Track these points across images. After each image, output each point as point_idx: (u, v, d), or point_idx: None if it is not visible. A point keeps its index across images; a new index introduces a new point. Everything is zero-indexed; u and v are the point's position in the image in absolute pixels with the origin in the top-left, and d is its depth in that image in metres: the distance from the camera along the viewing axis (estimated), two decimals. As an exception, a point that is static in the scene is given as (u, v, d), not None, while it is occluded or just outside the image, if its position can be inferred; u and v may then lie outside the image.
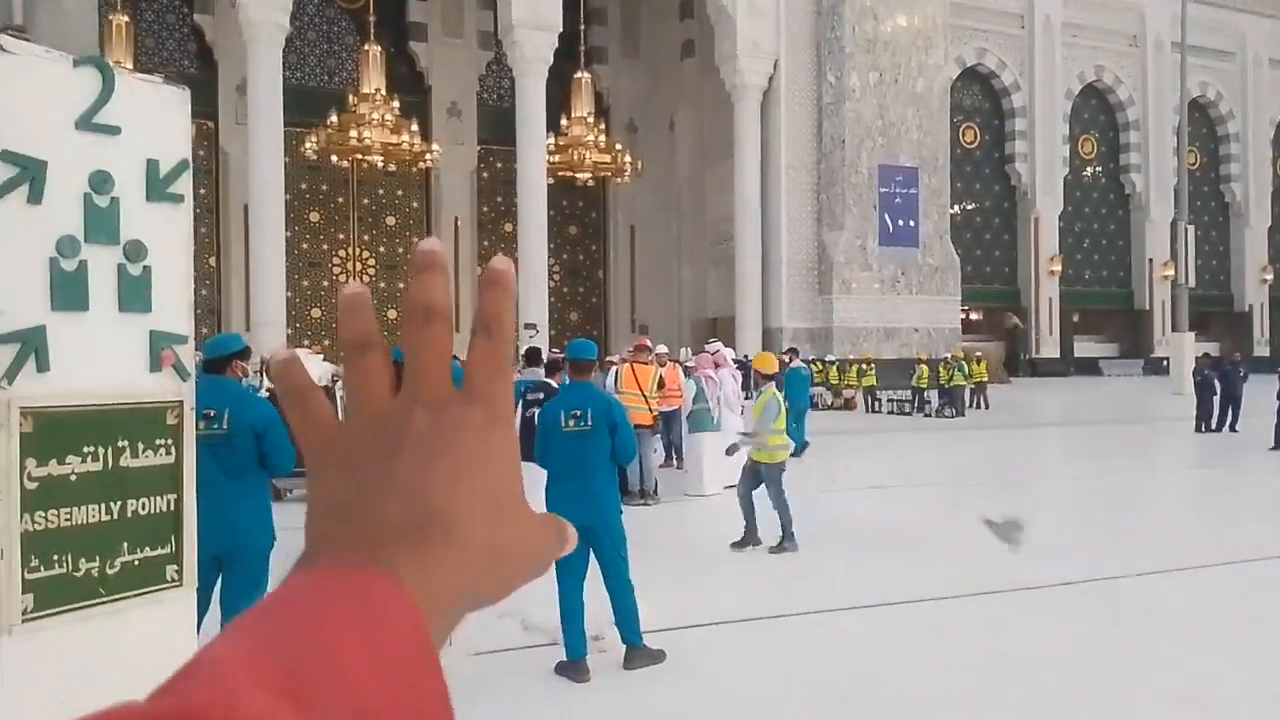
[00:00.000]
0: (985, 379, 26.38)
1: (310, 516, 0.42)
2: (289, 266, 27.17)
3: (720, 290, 33.84)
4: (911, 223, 32.46)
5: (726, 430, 10.90)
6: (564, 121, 29.96)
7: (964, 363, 24.39)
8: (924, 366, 24.57)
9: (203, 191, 32.26)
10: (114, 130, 2.77)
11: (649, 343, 11.75)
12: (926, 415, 23.69)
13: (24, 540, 2.49)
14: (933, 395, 24.22)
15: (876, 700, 4.54)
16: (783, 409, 8.34)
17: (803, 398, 14.71)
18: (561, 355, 10.23)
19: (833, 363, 27.52)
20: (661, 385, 11.05)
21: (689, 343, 28.15)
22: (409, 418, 0.42)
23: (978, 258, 39.22)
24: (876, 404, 25.02)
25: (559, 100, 29.62)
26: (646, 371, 10.56)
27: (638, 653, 4.87)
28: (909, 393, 24.62)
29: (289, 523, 6.45)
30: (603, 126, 31.78)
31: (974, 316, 38.74)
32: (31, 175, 2.56)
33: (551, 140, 29.08)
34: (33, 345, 2.56)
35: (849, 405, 25.83)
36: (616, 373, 11.45)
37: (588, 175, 31.01)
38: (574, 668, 4.73)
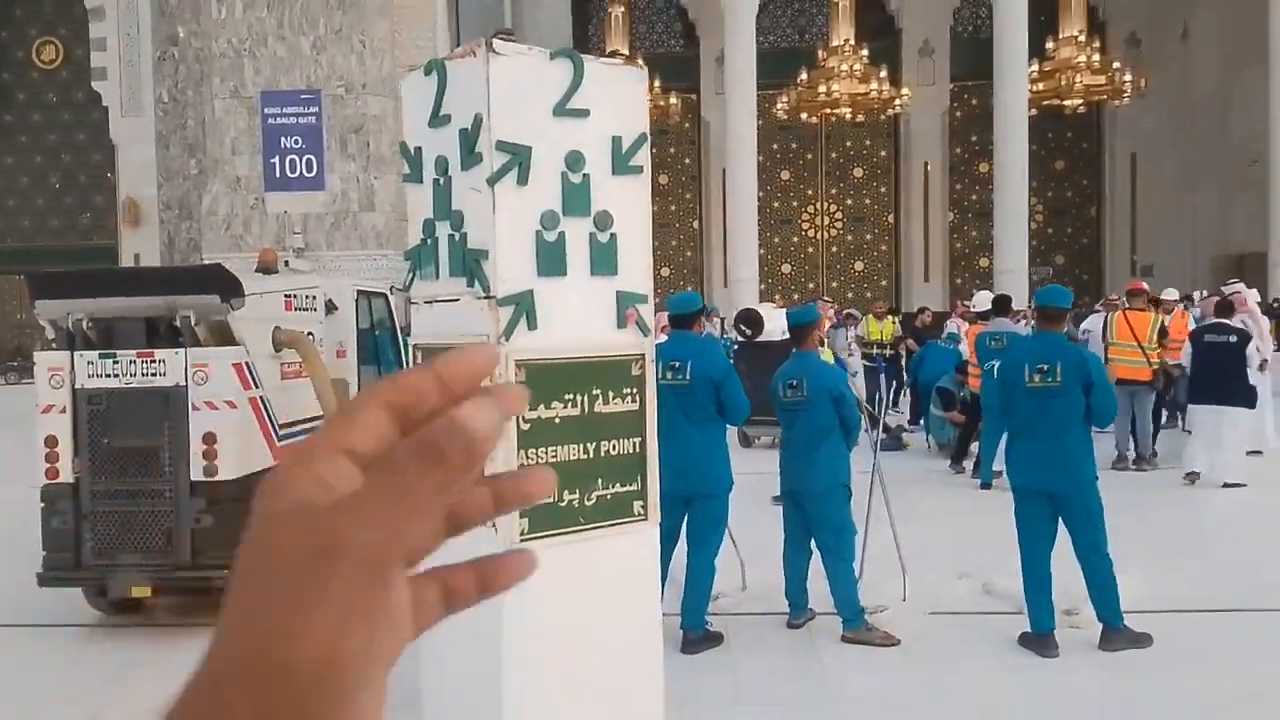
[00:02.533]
0: None
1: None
2: (761, 225, 28.41)
3: (1249, 221, 28.51)
4: None
5: (1246, 389, 9.22)
6: (1049, 45, 27.23)
7: None
8: None
9: (687, 160, 35.01)
10: (584, 113, 3.10)
11: (1145, 285, 10.31)
12: None
13: (520, 472, 2.94)
14: None
15: None
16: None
17: None
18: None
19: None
20: (1164, 335, 9.62)
21: (1207, 284, 24.20)
22: None
23: None
24: None
25: (1045, 22, 27.00)
26: (1144, 319, 9.26)
27: (1117, 634, 4.37)
28: None
29: (751, 467, 6.78)
30: (1097, 44, 28.26)
31: None
32: (520, 160, 2.96)
33: (1035, 67, 26.64)
34: (524, 307, 2.98)
35: None
36: (1107, 320, 10.23)
37: (1078, 101, 27.83)
38: (1040, 641, 4.39)
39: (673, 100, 30.46)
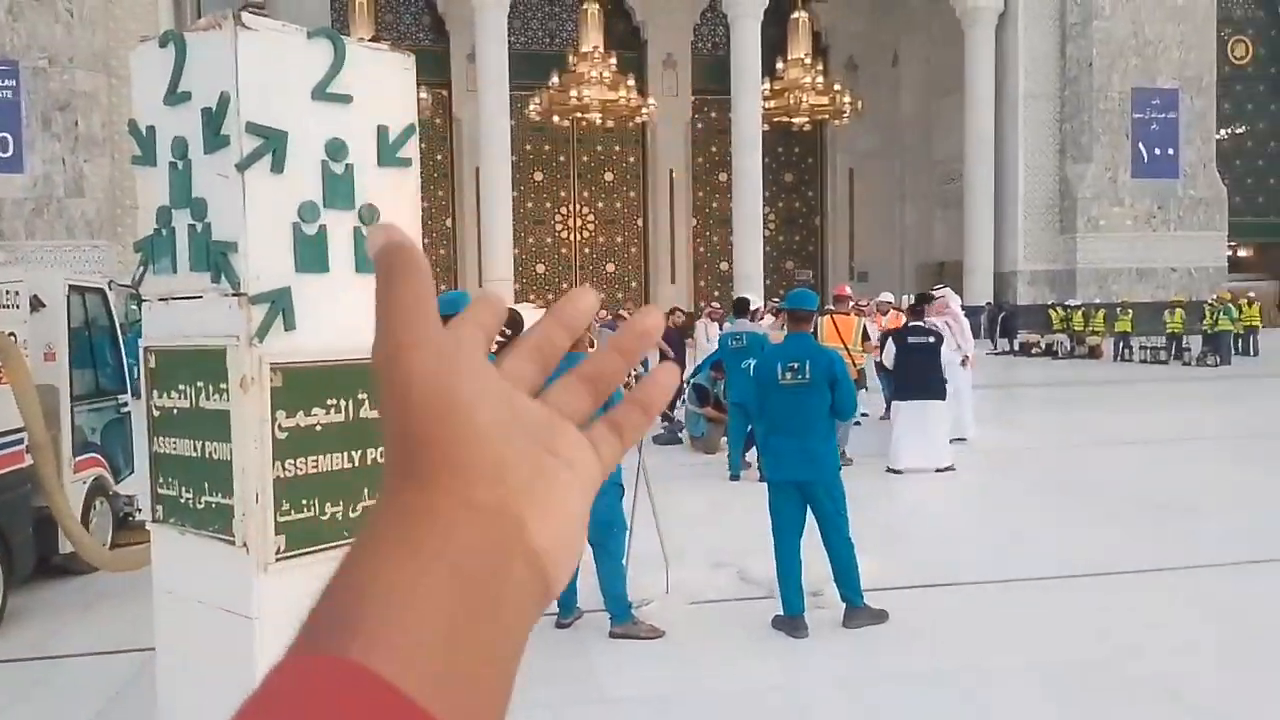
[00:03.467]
0: (1257, 323, 23.60)
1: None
2: (515, 225, 28.42)
3: (948, 233, 32.12)
4: (1170, 151, 29.26)
5: (952, 382, 10.31)
6: (780, 65, 29.24)
7: (1230, 305, 21.88)
8: (1178, 310, 22.27)
9: (439, 157, 34.30)
10: (346, 99, 2.91)
11: (849, 290, 11.15)
12: (1185, 364, 21.53)
13: (276, 486, 2.70)
14: (1194, 342, 21.95)
15: (1115, 672, 4.16)
16: None
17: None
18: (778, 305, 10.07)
19: (1076, 308, 25.54)
20: (868, 338, 10.52)
21: (913, 289, 26.97)
22: None
23: (1249, 188, 34.85)
24: (1128, 352, 23.00)
25: (775, 43, 28.93)
26: (849, 322, 10.04)
27: (859, 612, 4.72)
28: (1164, 339, 22.45)
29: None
30: (820, 67, 30.73)
31: (1243, 253, 34.60)
32: (274, 146, 2.73)
33: (767, 85, 28.50)
34: (280, 305, 2.75)
35: (1095, 354, 23.93)
36: (816, 324, 11.01)
37: (804, 119, 30.17)
38: (791, 623, 4.65)
39: (423, 95, 29.71)
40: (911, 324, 9.35)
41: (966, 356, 10.70)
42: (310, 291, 2.82)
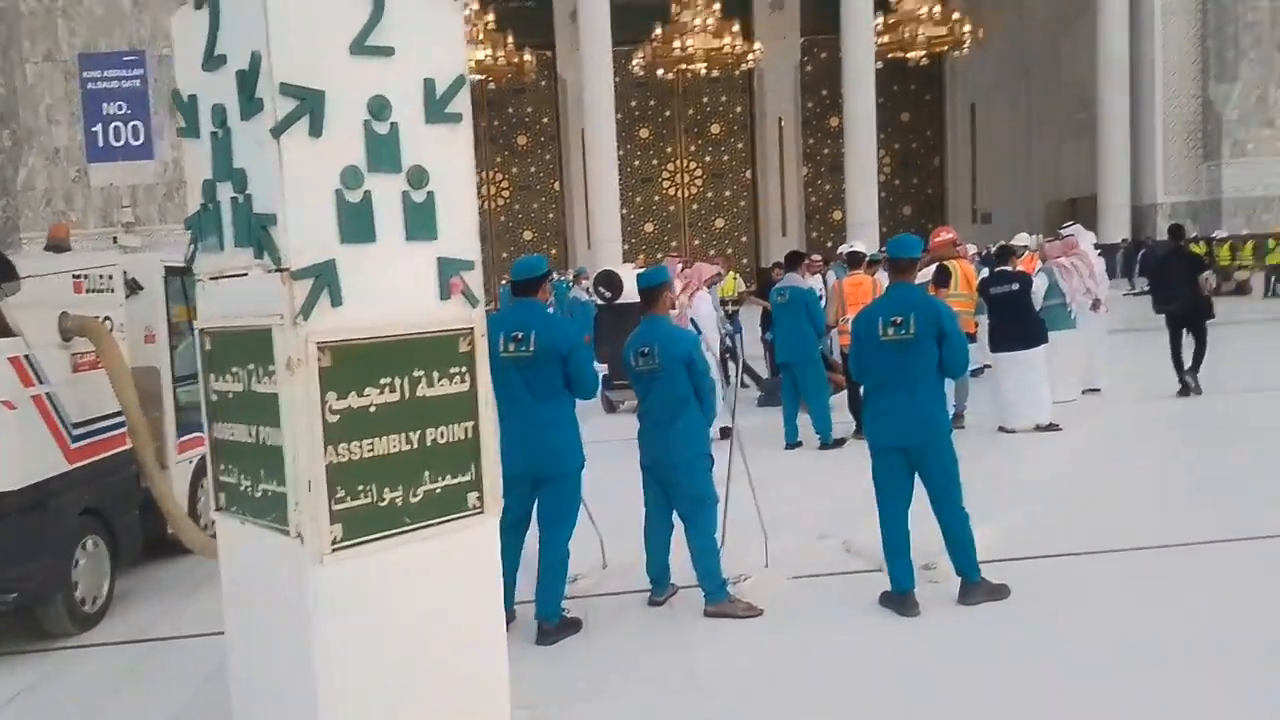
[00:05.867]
0: None
1: None
2: (622, 184, 28.13)
3: (1079, 166, 30.10)
4: (1331, 63, 26.56)
5: (1083, 328, 9.57)
6: (893, -2, 27.84)
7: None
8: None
9: (545, 120, 34.27)
10: (388, 51, 2.70)
11: (955, 233, 10.28)
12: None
13: (329, 472, 2.55)
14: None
15: (1252, 645, 3.67)
16: None
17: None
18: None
19: (1222, 241, 23.60)
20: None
21: (1043, 229, 25.44)
22: None
23: None
24: (1279, 286, 21.14)
25: (889, -26, 27.55)
26: (966, 269, 9.34)
27: (975, 588, 4.33)
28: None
29: (620, 434, 6.46)
30: (937, -4, 29.08)
31: None
32: (311, 107, 2.54)
33: (880, 20, 27.17)
34: (325, 279, 2.58)
35: (1242, 289, 22.10)
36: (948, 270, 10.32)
37: (921, 53, 28.67)
38: (900, 601, 4.30)
39: (527, 57, 29.63)
40: (996, 271, 8.69)
41: (1098, 299, 9.91)
42: (357, 263, 2.64)
